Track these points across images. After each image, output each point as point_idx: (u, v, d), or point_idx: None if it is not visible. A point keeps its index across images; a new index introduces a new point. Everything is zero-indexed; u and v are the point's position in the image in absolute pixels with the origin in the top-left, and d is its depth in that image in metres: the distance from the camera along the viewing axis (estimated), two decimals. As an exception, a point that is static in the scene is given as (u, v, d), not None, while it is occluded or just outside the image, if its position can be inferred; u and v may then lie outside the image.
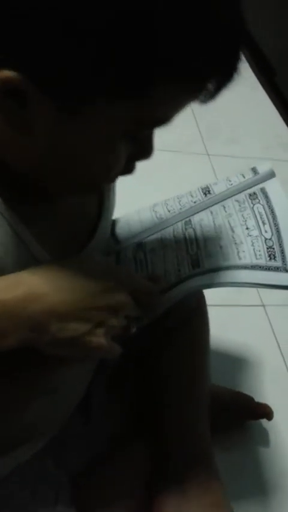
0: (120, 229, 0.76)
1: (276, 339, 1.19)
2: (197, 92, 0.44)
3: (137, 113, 0.43)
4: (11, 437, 0.60)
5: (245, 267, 0.57)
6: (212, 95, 0.45)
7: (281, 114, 1.98)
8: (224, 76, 0.44)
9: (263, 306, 1.26)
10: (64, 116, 0.42)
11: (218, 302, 1.17)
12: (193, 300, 0.86)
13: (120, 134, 0.45)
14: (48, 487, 0.68)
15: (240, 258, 0.59)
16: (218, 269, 0.58)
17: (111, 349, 0.49)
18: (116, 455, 0.82)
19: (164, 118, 0.46)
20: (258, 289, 1.29)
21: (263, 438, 0.99)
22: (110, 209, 0.65)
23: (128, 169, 0.53)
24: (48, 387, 0.58)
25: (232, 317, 1.21)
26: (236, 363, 1.11)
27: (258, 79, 2.15)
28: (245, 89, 2.09)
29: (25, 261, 0.50)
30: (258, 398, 0.98)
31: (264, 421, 1.00)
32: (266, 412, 0.95)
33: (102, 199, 0.64)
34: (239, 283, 0.57)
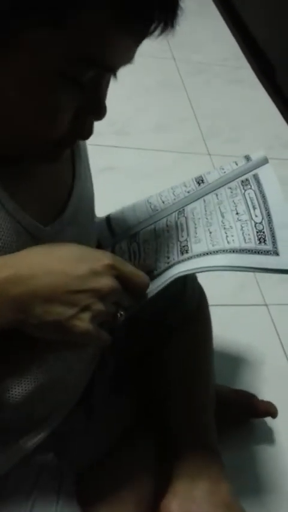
0: (116, 223, 0.77)
1: (279, 337, 1.19)
2: (124, 27, 0.42)
3: (64, 48, 0.42)
4: (10, 424, 0.60)
5: (233, 251, 0.57)
6: (151, 33, 0.44)
7: (282, 113, 1.98)
8: (146, 10, 0.42)
9: (266, 305, 1.26)
10: None
11: (220, 302, 1.17)
12: (195, 299, 0.86)
13: (55, 76, 0.43)
14: (50, 480, 0.68)
15: (228, 242, 0.58)
16: (206, 254, 0.58)
17: (98, 335, 0.48)
18: (122, 450, 0.82)
19: (100, 58, 0.44)
20: (261, 288, 1.31)
21: (267, 436, 1.00)
22: (82, 177, 0.64)
23: (82, 130, 0.51)
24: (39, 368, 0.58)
25: (235, 316, 1.21)
26: (239, 362, 1.11)
27: (259, 78, 2.15)
28: (246, 88, 2.09)
29: (4, 223, 0.49)
30: (262, 397, 0.99)
31: (268, 420, 1.00)
32: (269, 410, 0.95)
33: (75, 166, 0.63)
34: (226, 266, 0.56)
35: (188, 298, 0.85)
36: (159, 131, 1.74)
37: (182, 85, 2.00)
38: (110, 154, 1.54)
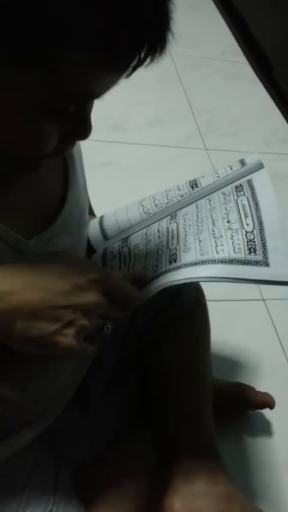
0: (108, 226, 0.76)
1: (276, 332, 1.20)
2: (112, 63, 0.42)
3: (48, 85, 0.42)
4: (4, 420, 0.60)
5: (222, 261, 0.55)
6: (133, 68, 0.44)
7: (279, 108, 1.97)
8: (134, 48, 0.42)
9: (263, 300, 1.26)
10: None
11: (218, 297, 1.17)
12: (192, 295, 0.87)
13: (38, 107, 0.43)
14: (44, 477, 0.68)
15: (217, 252, 0.57)
16: (194, 264, 0.57)
17: (83, 349, 0.48)
18: (121, 446, 0.82)
19: (84, 92, 0.44)
20: (257, 284, 1.31)
21: (265, 429, 1.00)
22: (76, 186, 0.64)
23: (65, 148, 0.51)
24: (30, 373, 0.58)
25: (232, 312, 1.21)
26: (237, 357, 1.12)
27: (256, 73, 2.15)
28: (243, 83, 2.09)
29: None
30: (260, 391, 0.99)
31: (266, 412, 1.00)
32: (267, 401, 0.95)
33: (67, 177, 0.63)
34: (213, 277, 0.54)
35: (186, 293, 0.85)
36: (156, 126, 1.74)
37: (179, 79, 2.00)
38: (107, 149, 1.54)
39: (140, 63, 0.44)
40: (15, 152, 0.48)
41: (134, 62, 0.43)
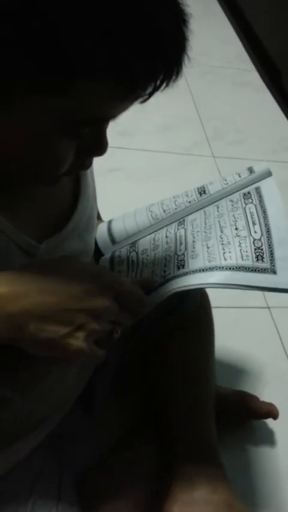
0: (116, 230, 0.76)
1: (281, 340, 1.19)
2: (128, 91, 0.42)
3: (64, 111, 0.42)
4: (7, 426, 0.60)
5: (230, 268, 0.56)
6: (149, 94, 0.44)
7: (287, 116, 1.98)
8: (151, 76, 0.42)
9: (268, 308, 1.26)
10: None
11: (223, 304, 1.17)
12: (197, 301, 0.87)
13: (54, 130, 0.44)
14: (49, 483, 0.68)
15: (225, 259, 0.57)
16: (202, 270, 0.57)
17: (93, 353, 0.49)
18: (122, 452, 0.82)
19: (99, 116, 0.45)
20: (264, 291, 1.30)
21: (268, 438, 1.00)
22: (87, 192, 0.64)
23: (82, 165, 0.52)
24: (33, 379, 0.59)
25: (237, 319, 1.21)
26: (241, 364, 1.11)
27: (264, 80, 2.15)
28: (251, 91, 2.09)
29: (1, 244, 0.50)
30: (263, 399, 0.98)
31: (269, 421, 1.00)
32: (271, 411, 0.95)
33: (79, 183, 0.64)
34: (220, 284, 0.55)
35: (191, 299, 0.85)
36: (164, 132, 1.74)
37: (187, 86, 2.01)
38: (114, 155, 1.54)
39: (156, 89, 0.44)
40: (31, 172, 0.49)
41: (150, 89, 0.44)
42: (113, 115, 0.46)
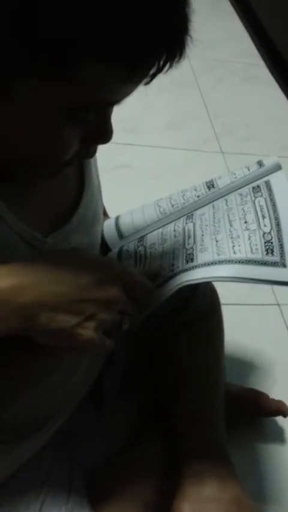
0: (124, 225, 0.76)
1: (291, 337, 1.19)
2: (130, 73, 0.42)
3: (68, 94, 0.42)
4: (16, 424, 0.60)
5: (239, 262, 0.56)
6: (152, 76, 0.44)
7: (296, 111, 1.96)
8: (152, 57, 0.42)
9: (278, 305, 1.25)
10: None
11: (232, 301, 1.16)
12: (207, 298, 0.86)
13: (58, 116, 0.44)
14: (59, 480, 0.68)
15: (235, 252, 0.57)
16: (211, 263, 0.57)
17: (102, 343, 0.49)
18: (131, 450, 0.82)
19: (104, 100, 0.45)
20: (273, 288, 1.30)
21: (278, 435, 0.99)
22: (91, 185, 0.64)
23: (87, 153, 0.52)
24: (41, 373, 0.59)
25: (247, 316, 1.20)
26: (251, 361, 1.11)
27: (273, 75, 2.13)
28: (260, 86, 2.08)
29: (3, 236, 0.50)
30: (272, 396, 0.98)
31: (279, 419, 0.99)
32: (281, 409, 0.95)
33: (83, 177, 0.63)
34: (230, 277, 0.55)
35: (200, 296, 0.85)
36: (172, 129, 1.73)
37: (196, 82, 1.99)
38: (123, 152, 1.54)
39: (159, 70, 0.44)
40: (36, 160, 0.49)
41: (153, 70, 0.43)
42: (116, 99, 0.46)
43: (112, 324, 0.50)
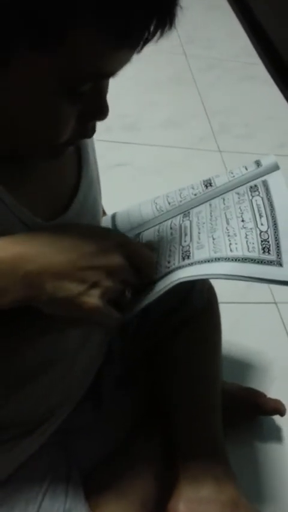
0: (120, 222, 0.76)
1: (288, 336, 1.19)
2: (123, 42, 0.42)
3: (59, 64, 0.42)
4: (16, 422, 0.60)
5: (236, 259, 0.56)
6: (143, 43, 0.44)
7: (294, 110, 1.96)
8: (142, 23, 0.41)
9: (275, 303, 1.26)
10: None
11: (229, 299, 1.17)
12: (204, 296, 0.86)
13: (52, 89, 0.44)
14: (58, 478, 0.68)
15: (231, 250, 0.57)
16: (207, 261, 0.57)
17: (108, 312, 0.49)
18: (128, 449, 0.82)
19: (96, 70, 0.44)
20: (270, 286, 1.30)
21: (276, 434, 0.99)
22: (88, 174, 0.64)
23: (85, 131, 0.52)
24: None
25: (244, 314, 1.20)
26: (248, 360, 1.11)
27: (271, 74, 2.14)
28: (257, 85, 2.08)
29: (3, 218, 0.50)
30: (270, 395, 0.98)
31: (276, 418, 1.00)
32: (278, 408, 0.95)
33: (81, 161, 0.63)
34: (226, 275, 0.55)
35: (197, 295, 0.85)
36: (170, 127, 1.73)
37: (193, 80, 1.99)
38: (121, 150, 1.54)
39: (149, 38, 0.43)
40: (36, 136, 0.48)
41: (144, 37, 0.43)
42: (111, 69, 0.45)
43: (116, 293, 0.50)
